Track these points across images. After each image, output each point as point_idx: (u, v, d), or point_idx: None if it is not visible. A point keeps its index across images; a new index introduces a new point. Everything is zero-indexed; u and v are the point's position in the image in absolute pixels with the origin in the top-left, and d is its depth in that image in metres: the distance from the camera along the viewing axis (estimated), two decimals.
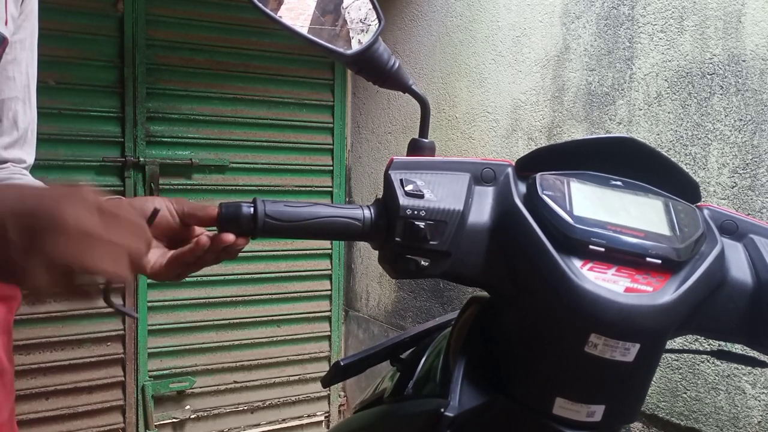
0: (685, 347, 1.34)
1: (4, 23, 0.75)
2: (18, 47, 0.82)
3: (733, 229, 0.64)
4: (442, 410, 0.60)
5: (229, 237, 0.61)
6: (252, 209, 0.60)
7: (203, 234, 0.63)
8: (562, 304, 0.55)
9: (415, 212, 0.60)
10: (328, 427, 2.85)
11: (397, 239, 0.60)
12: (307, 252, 2.74)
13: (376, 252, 0.65)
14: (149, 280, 2.41)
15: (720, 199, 1.37)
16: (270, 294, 2.67)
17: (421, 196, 0.60)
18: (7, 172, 0.83)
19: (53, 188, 0.50)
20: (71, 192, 0.49)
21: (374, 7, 0.71)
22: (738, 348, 0.86)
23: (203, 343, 2.56)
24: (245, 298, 2.62)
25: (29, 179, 0.85)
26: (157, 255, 0.65)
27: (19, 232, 0.46)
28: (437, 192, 0.61)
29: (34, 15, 0.85)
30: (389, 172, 0.63)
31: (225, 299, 2.58)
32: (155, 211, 0.57)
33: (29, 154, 0.88)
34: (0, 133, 0.83)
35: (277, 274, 2.68)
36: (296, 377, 2.76)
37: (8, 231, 0.46)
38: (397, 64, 0.72)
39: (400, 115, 2.53)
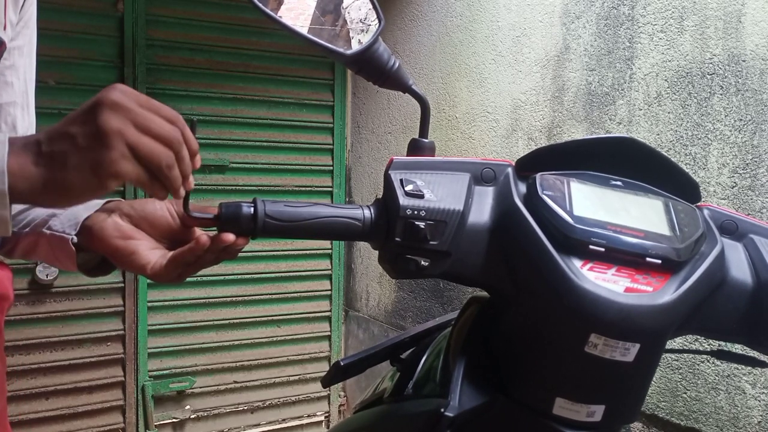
0: (685, 347, 1.34)
1: (2, 28, 0.75)
2: (16, 54, 0.82)
3: (733, 229, 0.64)
4: (442, 410, 0.60)
5: (229, 237, 0.61)
6: (252, 209, 0.60)
7: (203, 234, 0.63)
8: (562, 304, 0.55)
9: (415, 212, 0.60)
10: (328, 427, 2.85)
11: (397, 239, 0.60)
12: (307, 252, 2.74)
13: (376, 252, 0.65)
14: (149, 281, 2.41)
15: (720, 199, 1.37)
16: (270, 294, 2.67)
17: (421, 196, 0.60)
18: None
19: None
20: (110, 86, 0.54)
21: (374, 7, 0.71)
22: (738, 348, 0.86)
23: (203, 343, 2.56)
24: (245, 298, 2.62)
25: None
26: (158, 256, 0.65)
27: (79, 124, 0.52)
28: (437, 192, 0.61)
29: (33, 22, 0.85)
30: (389, 172, 0.63)
31: (225, 299, 2.58)
32: (194, 123, 0.59)
33: None
34: None
35: (277, 274, 2.68)
36: (296, 377, 2.76)
37: (69, 127, 0.52)
38: (397, 64, 0.72)
39: (400, 115, 2.53)
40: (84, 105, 0.53)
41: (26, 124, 0.86)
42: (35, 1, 0.83)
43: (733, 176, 1.35)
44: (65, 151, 0.52)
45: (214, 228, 0.63)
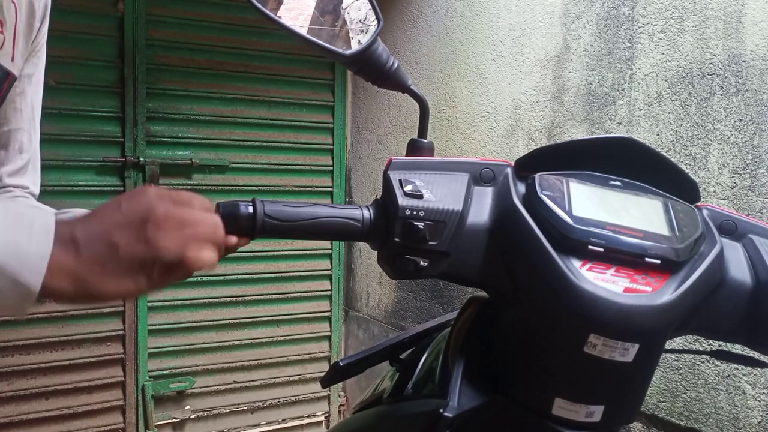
0: (685, 347, 1.34)
1: (11, 59, 0.77)
2: (26, 81, 0.85)
3: (732, 229, 0.64)
4: (441, 411, 0.60)
5: (233, 239, 0.61)
6: (251, 209, 0.60)
7: None
8: (561, 305, 0.55)
9: (414, 212, 0.60)
10: (328, 427, 2.85)
11: (396, 239, 0.60)
12: (307, 252, 2.75)
13: (376, 252, 0.65)
14: None
15: (720, 200, 1.37)
16: (270, 294, 2.67)
17: (420, 197, 0.60)
18: (11, 195, 0.85)
19: (131, 196, 0.56)
20: (146, 191, 0.55)
21: (373, 8, 0.71)
22: (738, 348, 0.86)
23: (203, 343, 2.56)
24: (245, 298, 2.62)
25: (32, 202, 0.86)
26: None
27: (121, 233, 0.52)
28: (436, 192, 0.61)
29: (43, 50, 0.88)
30: (388, 172, 0.62)
31: (225, 299, 2.58)
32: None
33: (33, 183, 0.90)
34: (6, 161, 0.85)
35: (277, 274, 2.68)
36: (296, 377, 2.77)
37: (112, 234, 0.52)
38: (396, 65, 0.71)
39: (400, 115, 2.53)
40: (126, 209, 0.53)
41: (33, 149, 0.88)
42: (46, 32, 0.85)
43: (733, 176, 1.35)
44: (105, 260, 0.52)
45: None
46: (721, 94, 1.37)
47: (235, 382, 2.64)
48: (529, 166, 0.65)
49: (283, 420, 2.76)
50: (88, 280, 0.51)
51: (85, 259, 0.51)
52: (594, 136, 0.67)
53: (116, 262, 0.52)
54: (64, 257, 0.51)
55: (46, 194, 0.97)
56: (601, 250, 0.56)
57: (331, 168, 2.78)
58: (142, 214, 0.53)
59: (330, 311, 2.83)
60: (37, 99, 0.88)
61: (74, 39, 2.23)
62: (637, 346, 0.55)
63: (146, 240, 0.52)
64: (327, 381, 0.83)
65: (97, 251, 0.52)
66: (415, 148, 0.71)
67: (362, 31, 0.72)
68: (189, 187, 2.47)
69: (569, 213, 0.58)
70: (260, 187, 2.60)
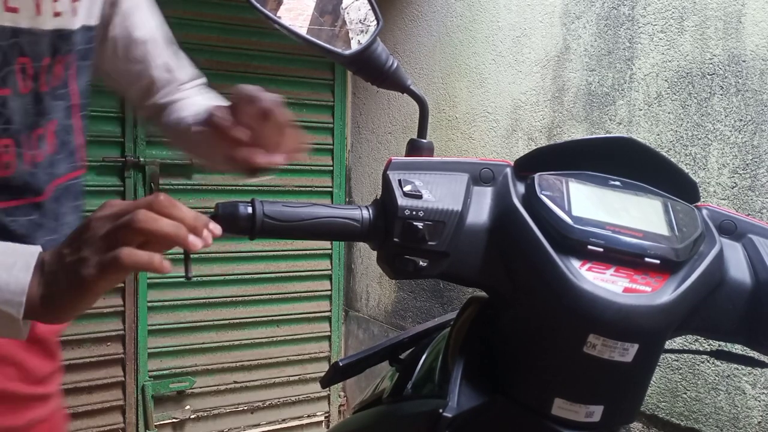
0: (685, 347, 1.34)
1: (92, 17, 0.90)
2: (133, 19, 1.04)
3: (731, 229, 0.64)
4: (441, 411, 0.60)
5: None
6: (250, 209, 0.60)
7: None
8: (561, 305, 0.55)
9: (414, 213, 0.60)
10: (328, 427, 2.85)
11: (396, 240, 0.60)
12: (307, 252, 2.74)
13: (376, 252, 0.65)
14: (149, 280, 2.41)
15: (720, 200, 1.37)
16: (270, 294, 2.67)
17: (420, 197, 0.60)
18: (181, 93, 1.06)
19: None
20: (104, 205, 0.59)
21: (373, 8, 0.71)
22: (737, 348, 0.86)
23: (203, 343, 2.56)
24: (245, 298, 2.62)
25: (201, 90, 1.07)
26: None
27: (67, 245, 0.57)
28: (435, 192, 0.61)
29: None
30: (387, 172, 0.62)
31: (225, 299, 2.58)
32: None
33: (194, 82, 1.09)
34: (162, 87, 1.07)
35: (277, 274, 2.68)
36: (296, 377, 2.77)
37: (61, 249, 0.57)
38: (395, 65, 0.72)
39: (400, 115, 2.53)
40: (78, 226, 0.58)
41: (174, 63, 1.10)
42: None
43: (733, 176, 1.35)
44: (56, 271, 0.56)
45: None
46: (721, 94, 1.37)
47: (235, 382, 2.64)
48: (528, 166, 0.65)
49: (283, 420, 2.76)
50: (47, 293, 0.56)
51: (46, 275, 0.57)
52: (594, 136, 0.67)
53: (64, 271, 0.56)
54: (34, 281, 0.57)
55: None
56: (601, 250, 0.56)
57: (331, 168, 2.78)
58: (84, 224, 0.57)
59: (330, 311, 2.83)
60: (159, 24, 1.11)
61: None
62: (636, 346, 0.55)
63: (81, 244, 0.56)
64: (327, 381, 0.83)
65: (53, 267, 0.57)
66: (414, 148, 0.71)
67: (362, 31, 0.72)
68: (189, 187, 2.48)
69: (569, 213, 0.58)
70: (260, 187, 2.60)
